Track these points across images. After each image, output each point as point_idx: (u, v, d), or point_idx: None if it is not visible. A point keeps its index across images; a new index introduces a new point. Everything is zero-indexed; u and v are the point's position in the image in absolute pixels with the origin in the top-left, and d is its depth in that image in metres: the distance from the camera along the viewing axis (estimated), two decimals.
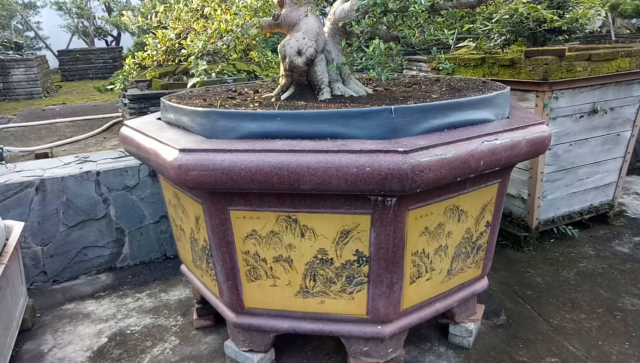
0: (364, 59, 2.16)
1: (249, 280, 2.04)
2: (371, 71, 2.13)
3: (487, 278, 2.42)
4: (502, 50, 3.66)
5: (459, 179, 1.82)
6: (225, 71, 4.52)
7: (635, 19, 8.77)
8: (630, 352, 2.32)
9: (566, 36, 3.41)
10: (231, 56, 2.17)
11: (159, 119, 2.40)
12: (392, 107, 1.77)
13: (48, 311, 2.93)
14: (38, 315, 2.88)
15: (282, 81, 2.45)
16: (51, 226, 3.34)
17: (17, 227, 2.73)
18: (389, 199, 1.77)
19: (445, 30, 2.26)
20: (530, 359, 2.30)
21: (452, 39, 2.22)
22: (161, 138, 1.96)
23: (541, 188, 3.30)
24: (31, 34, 13.43)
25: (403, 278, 1.96)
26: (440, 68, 2.89)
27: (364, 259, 1.91)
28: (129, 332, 2.67)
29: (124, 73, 2.38)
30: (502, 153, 1.87)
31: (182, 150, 1.77)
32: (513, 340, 2.45)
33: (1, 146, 3.91)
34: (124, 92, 4.24)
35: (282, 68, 2.43)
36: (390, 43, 2.34)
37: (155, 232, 3.64)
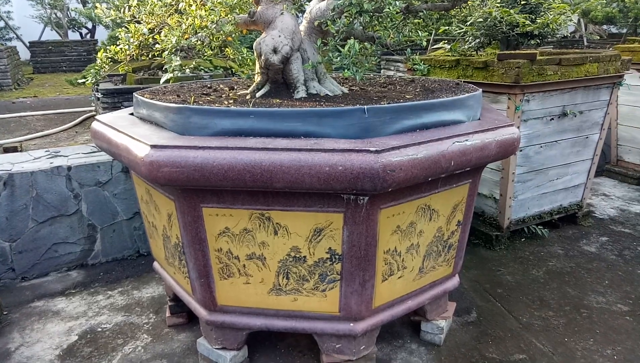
0: (339, 58, 2.17)
1: (221, 278, 2.03)
2: (346, 70, 2.14)
3: (458, 276, 2.47)
4: (477, 52, 3.72)
5: (430, 179, 1.85)
6: (201, 67, 4.48)
7: (605, 25, 9.02)
8: (595, 348, 2.39)
9: (538, 40, 3.48)
10: (206, 52, 2.15)
11: (132, 114, 2.37)
12: (365, 107, 1.79)
13: (16, 308, 2.86)
14: (5, 313, 2.81)
15: (257, 78, 2.44)
16: (20, 222, 3.26)
17: None
18: (361, 198, 1.78)
19: (420, 32, 2.29)
20: (499, 356, 2.35)
21: (427, 41, 2.25)
22: (133, 133, 1.94)
23: (512, 188, 3.37)
24: (1, 23, 13.02)
25: (375, 276, 1.98)
26: (415, 69, 2.93)
27: (337, 257, 1.92)
28: (99, 329, 2.63)
29: (96, 67, 2.34)
30: (473, 154, 1.91)
31: (153, 146, 1.76)
32: (483, 337, 2.50)
33: None
34: (97, 86, 4.16)
35: (257, 66, 2.42)
36: (366, 43, 2.36)
37: (128, 229, 3.59)
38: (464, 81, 2.93)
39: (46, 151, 3.69)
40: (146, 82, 4.19)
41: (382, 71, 6.72)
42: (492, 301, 2.82)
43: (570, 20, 3.63)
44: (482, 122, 2.11)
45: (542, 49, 4.04)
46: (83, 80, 2.35)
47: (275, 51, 2.29)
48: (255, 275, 2.00)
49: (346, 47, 2.12)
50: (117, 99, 3.97)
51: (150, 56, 2.30)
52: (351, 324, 2.05)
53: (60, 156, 3.58)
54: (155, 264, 2.64)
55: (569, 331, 2.54)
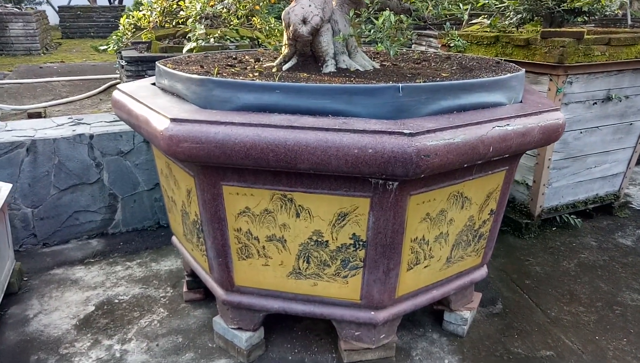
0: (372, 31, 2.03)
1: (240, 258, 1.96)
2: (379, 44, 2.00)
3: (486, 267, 2.35)
4: (517, 29, 3.49)
5: (465, 166, 1.72)
6: (227, 37, 4.35)
7: None
8: (628, 349, 2.27)
9: (585, 18, 3.24)
10: (232, 20, 2.03)
11: (154, 84, 2.29)
12: (400, 85, 1.66)
13: (36, 275, 2.87)
14: (25, 279, 2.82)
15: (284, 50, 2.32)
16: (42, 189, 3.25)
17: (4, 189, 2.64)
18: (390, 183, 1.67)
19: (460, 5, 2.11)
20: (524, 351, 2.25)
21: (467, 15, 2.09)
22: (153, 105, 1.85)
23: (547, 175, 3.20)
24: None
25: (400, 265, 1.88)
26: (452, 45, 2.74)
27: (361, 243, 1.82)
28: (116, 301, 2.62)
29: (119, 34, 2.25)
30: (513, 140, 1.77)
31: (173, 120, 1.67)
32: (508, 330, 2.40)
33: None
34: (121, 53, 4.09)
35: (285, 37, 2.30)
36: (401, 16, 2.20)
37: (149, 199, 3.56)
38: (503, 59, 2.75)
39: (69, 118, 3.66)
40: (171, 50, 4.09)
41: (412, 46, 6.47)
42: (519, 292, 2.70)
43: None
44: (524, 106, 1.95)
45: (584, 28, 3.78)
46: (105, 47, 2.26)
47: (304, 21, 2.15)
48: (275, 257, 1.92)
49: (380, 19, 1.98)
50: (140, 67, 3.89)
51: (174, 23, 2.20)
52: (372, 312, 1.96)
53: (83, 123, 3.54)
54: (174, 238, 2.59)
55: (600, 329, 2.41)
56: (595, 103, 3.14)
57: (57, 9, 12.31)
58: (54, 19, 12.56)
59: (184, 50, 2.14)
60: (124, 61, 3.89)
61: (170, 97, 1.99)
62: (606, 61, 2.96)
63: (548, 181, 3.23)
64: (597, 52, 2.90)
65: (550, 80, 2.96)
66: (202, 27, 1.89)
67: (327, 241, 1.84)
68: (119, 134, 3.39)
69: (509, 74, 1.98)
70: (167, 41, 4.40)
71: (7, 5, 9.33)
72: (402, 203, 1.74)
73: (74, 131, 3.35)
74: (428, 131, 1.56)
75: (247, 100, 1.73)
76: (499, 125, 1.73)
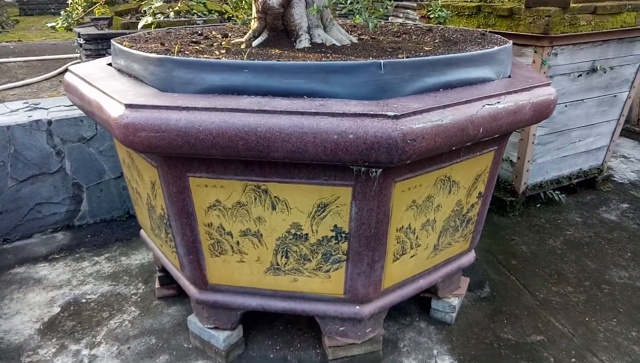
0: (348, 2, 1.85)
1: (212, 255, 1.81)
2: (357, 16, 1.83)
3: (474, 252, 2.25)
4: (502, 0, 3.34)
5: (454, 148, 1.59)
6: (194, 11, 4.09)
7: None
8: (618, 329, 2.22)
9: None
10: None
11: (110, 65, 2.07)
12: (382, 61, 1.49)
13: None
14: None
15: (254, 24, 2.12)
16: None
17: None
18: (373, 170, 1.53)
19: None
20: (515, 336, 2.17)
21: None
22: (106, 88, 1.65)
23: (532, 151, 3.11)
24: None
25: (386, 256, 1.76)
26: (433, 17, 2.58)
27: (343, 235, 1.69)
28: (84, 300, 2.44)
29: (68, 9, 2.01)
30: (504, 119, 1.63)
31: (128, 106, 1.48)
32: (497, 315, 2.32)
33: None
34: (78, 31, 3.79)
35: (254, 10, 2.10)
36: None
37: (116, 188, 3.35)
38: (486, 31, 2.60)
39: (25, 102, 3.38)
40: (133, 27, 3.82)
41: (389, 18, 6.26)
42: (506, 274, 2.63)
43: None
44: (514, 81, 1.82)
45: None
46: (53, 23, 2.02)
47: None
48: (251, 253, 1.77)
49: None
50: (100, 45, 3.62)
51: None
52: (357, 307, 1.84)
53: (40, 108, 3.28)
54: (142, 232, 2.41)
55: (590, 309, 2.36)
56: (580, 75, 3.04)
57: None
58: None
59: (139, 25, 1.92)
60: (81, 39, 3.61)
61: (127, 80, 1.79)
62: (592, 30, 2.85)
63: (532, 157, 3.14)
64: (582, 21, 2.77)
65: (535, 52, 2.83)
66: (160, 1, 1.67)
67: (306, 234, 1.70)
68: (80, 119, 3.15)
69: (497, 47, 1.83)
70: (129, 17, 4.11)
71: None
72: (386, 191, 1.60)
73: (30, 116, 3.10)
74: (414, 113, 1.41)
75: (213, 81, 1.55)
76: (489, 103, 1.59)
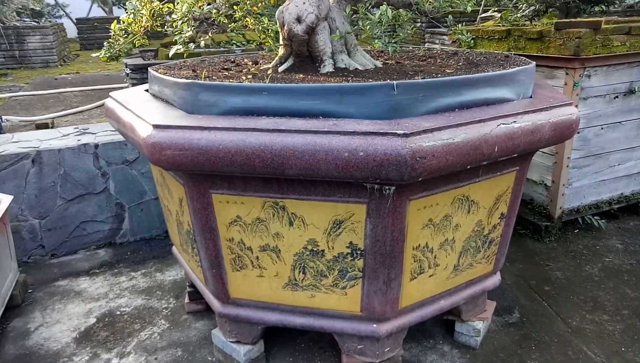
0: (368, 27, 1.92)
1: (234, 269, 1.88)
2: (376, 41, 1.89)
3: (499, 274, 2.21)
4: (531, 22, 3.33)
5: (469, 167, 1.60)
6: (233, 41, 4.30)
7: None
8: None
9: (603, 7, 3.07)
10: (222, 21, 1.95)
11: (147, 91, 2.22)
12: (395, 82, 1.54)
13: (41, 287, 2.84)
14: (30, 291, 2.80)
15: (281, 51, 2.23)
16: (48, 200, 3.24)
17: (4, 201, 2.62)
18: (386, 188, 1.56)
19: None
20: None
21: (475, 10, 1.96)
22: (139, 111, 1.79)
23: (567, 174, 3.03)
24: (51, 1, 13.35)
25: (402, 274, 1.76)
26: (456, 40, 2.61)
27: (359, 252, 1.71)
28: (118, 313, 2.56)
29: (111, 41, 2.20)
30: (521, 138, 1.63)
31: (156, 126, 1.59)
32: (525, 341, 2.24)
33: (0, 115, 3.81)
34: (125, 62, 4.07)
35: (281, 37, 2.21)
36: (400, 10, 2.09)
37: (156, 208, 3.51)
38: (516, 54, 2.60)
39: (75, 128, 3.65)
40: (177, 57, 4.06)
41: (425, 44, 6.32)
42: (537, 300, 2.54)
43: None
44: (533, 101, 1.81)
45: (606, 18, 3.59)
46: (96, 54, 2.21)
47: (299, 20, 2.07)
48: (270, 268, 1.82)
49: (377, 14, 1.87)
50: (145, 75, 3.86)
51: (164, 27, 2.13)
52: (374, 325, 1.85)
53: (89, 133, 3.53)
54: (174, 249, 2.53)
55: (627, 339, 2.24)
56: (617, 97, 2.96)
57: (75, 21, 12.56)
58: (72, 31, 12.81)
59: (170, 53, 2.07)
60: (128, 69, 3.87)
61: (159, 103, 1.92)
62: (627, 51, 2.79)
63: (568, 181, 3.05)
64: (616, 42, 2.72)
65: (567, 74, 2.79)
66: (190, 29, 1.81)
67: (322, 250, 1.74)
68: (124, 143, 3.35)
69: (516, 68, 1.84)
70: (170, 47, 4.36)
71: (25, 20, 9.56)
72: (400, 208, 1.62)
73: (79, 140, 3.33)
74: (424, 131, 1.44)
75: (234, 103, 1.65)
76: (505, 122, 1.60)
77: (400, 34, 1.98)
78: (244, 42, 4.33)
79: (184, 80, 1.77)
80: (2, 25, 8.92)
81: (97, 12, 13.65)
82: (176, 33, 1.89)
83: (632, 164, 3.26)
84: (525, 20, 3.38)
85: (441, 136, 1.46)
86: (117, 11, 14.02)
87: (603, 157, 3.12)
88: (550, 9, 3.26)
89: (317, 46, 2.13)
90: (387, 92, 1.55)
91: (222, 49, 3.94)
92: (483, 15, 3.63)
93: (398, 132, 1.42)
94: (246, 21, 2.20)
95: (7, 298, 2.52)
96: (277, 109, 1.62)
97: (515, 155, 1.70)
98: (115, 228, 3.45)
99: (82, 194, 3.31)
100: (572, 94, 2.79)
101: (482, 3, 4.08)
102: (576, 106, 2.84)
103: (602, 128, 3.01)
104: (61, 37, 9.71)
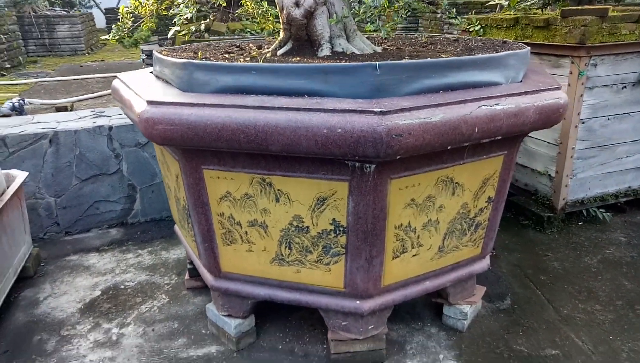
0: (361, 11, 1.96)
1: (224, 244, 1.95)
2: (368, 24, 1.93)
3: (488, 259, 2.23)
4: (542, 11, 3.30)
5: (450, 148, 1.63)
6: (248, 29, 4.38)
7: None
8: None
9: None
10: (221, 6, 2.02)
11: (152, 73, 2.31)
12: (377, 63, 1.58)
13: (53, 261, 2.99)
14: (42, 264, 2.94)
15: (281, 35, 2.29)
16: (64, 179, 3.38)
17: (20, 176, 2.76)
18: (367, 165, 1.60)
19: None
20: (528, 349, 2.11)
21: None
22: (138, 90, 1.87)
23: (571, 165, 3.00)
24: None
25: (384, 252, 1.81)
26: (472, 30, 2.62)
27: (341, 229, 1.77)
28: (122, 287, 2.68)
29: (118, 24, 2.29)
30: (504, 121, 1.65)
31: (150, 102, 1.67)
32: (514, 326, 2.26)
33: (22, 98, 3.98)
34: (142, 48, 4.19)
35: (281, 21, 2.26)
36: None
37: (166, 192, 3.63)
38: (521, 42, 2.59)
39: (92, 111, 3.79)
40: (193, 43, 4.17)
41: (444, 34, 6.27)
42: (531, 288, 2.55)
43: None
44: (521, 85, 1.82)
45: (622, 7, 3.52)
46: (105, 37, 2.31)
47: (297, 4, 2.12)
48: (258, 243, 1.89)
49: None
50: None
51: (169, 11, 2.21)
52: (357, 302, 1.90)
53: (104, 116, 3.66)
54: (175, 226, 2.62)
55: (617, 329, 2.23)
56: (625, 87, 2.91)
57: (104, 11, 12.88)
58: (102, 22, 13.14)
59: (169, 34, 2.15)
60: (144, 55, 3.99)
61: (160, 83, 2.01)
62: (636, 40, 2.74)
63: (572, 172, 3.03)
64: (624, 30, 2.68)
65: (572, 63, 2.77)
66: (188, 10, 1.88)
67: (307, 226, 1.80)
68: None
69: (505, 52, 1.85)
70: (189, 35, 4.47)
71: (55, 9, 9.88)
72: (381, 187, 1.66)
73: (94, 123, 3.46)
74: (402, 110, 1.48)
75: (225, 82, 1.71)
76: (486, 104, 1.62)
77: (395, 19, 2.01)
78: (257, 30, 4.41)
79: (180, 60, 1.84)
80: (34, 14, 9.25)
81: (127, 2, 13.96)
82: (176, 15, 1.97)
83: None
84: (537, 9, 3.34)
85: (419, 115, 1.49)
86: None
87: (610, 148, 3.08)
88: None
89: (316, 30, 2.17)
90: (370, 73, 1.59)
91: (236, 37, 4.02)
92: (491, 2, 3.59)
93: (375, 110, 1.46)
94: (247, 5, 2.26)
95: (20, 269, 2.66)
96: (265, 88, 1.68)
97: (499, 138, 1.72)
98: (127, 209, 3.57)
99: (96, 174, 3.44)
100: (577, 83, 2.77)
101: None
102: (581, 95, 2.81)
103: (608, 119, 2.97)
104: (89, 26, 9.99)
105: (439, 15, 7.70)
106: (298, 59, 2.08)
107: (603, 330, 2.22)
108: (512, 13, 3.23)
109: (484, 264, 2.19)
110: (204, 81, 1.76)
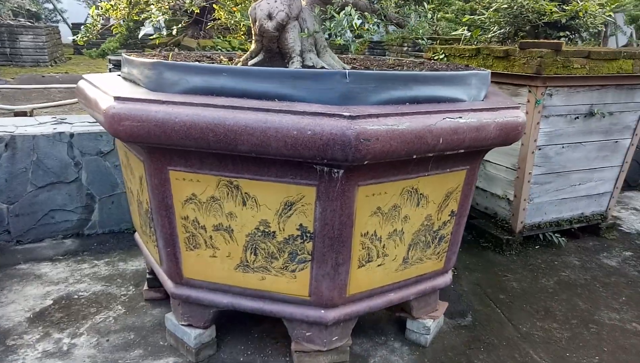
0: (332, 25, 2.01)
1: (187, 249, 1.91)
2: (339, 38, 1.98)
3: (450, 274, 2.26)
4: (502, 44, 3.48)
5: (416, 158, 1.67)
6: (219, 47, 4.40)
7: None
8: None
9: (568, 33, 3.22)
10: (195, 11, 2.03)
11: (119, 75, 2.29)
12: (347, 70, 1.63)
13: (1, 269, 2.83)
14: None
15: (252, 46, 2.32)
16: (19, 185, 3.24)
17: None
18: (335, 170, 1.62)
19: (425, 5, 2.10)
20: None
21: (432, 14, 2.07)
22: (104, 88, 1.84)
23: (528, 189, 3.12)
24: (50, 6, 13.49)
25: (350, 260, 1.81)
26: (436, 58, 2.74)
27: (308, 235, 1.76)
28: (76, 297, 2.56)
29: (87, 25, 2.27)
30: (467, 134, 1.72)
31: (116, 98, 1.65)
32: (475, 342, 2.28)
33: None
34: (109, 58, 4.14)
35: (253, 32, 2.30)
36: (365, 13, 2.20)
37: (127, 202, 3.53)
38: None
39: (53, 117, 3.68)
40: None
41: None
42: (491, 306, 2.60)
43: (610, 16, 3.35)
44: (483, 103, 1.91)
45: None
46: (72, 37, 2.28)
47: (270, 16, 2.16)
48: (222, 248, 1.86)
49: (341, 13, 1.97)
50: None
51: (142, 18, 2.21)
52: (322, 311, 1.88)
53: (66, 123, 3.56)
54: (136, 234, 2.55)
55: (573, 346, 2.29)
56: (577, 118, 3.08)
57: (71, 26, 12.69)
58: (69, 36, 12.92)
59: (140, 35, 2.14)
60: (111, 64, 3.94)
61: (127, 84, 1.98)
62: (587, 74, 2.92)
63: (529, 196, 3.15)
64: (576, 64, 2.86)
65: (529, 91, 2.92)
66: (160, 14, 1.88)
67: (274, 231, 1.79)
68: (100, 135, 3.39)
69: (467, 71, 1.94)
70: (158, 50, 4.45)
71: (21, 20, 9.66)
72: (349, 193, 1.68)
73: (54, 129, 3.36)
74: (370, 116, 1.52)
75: (195, 83, 1.71)
76: (450, 117, 1.69)
77: (364, 36, 2.07)
78: (229, 49, 4.44)
79: (150, 60, 1.83)
80: None
81: None
82: (145, 16, 1.97)
83: (593, 185, 3.37)
84: (497, 43, 3.52)
85: (386, 122, 1.54)
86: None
87: (564, 175, 3.22)
88: (520, 33, 3.41)
89: (287, 43, 2.21)
90: (339, 80, 1.63)
91: (207, 52, 4.03)
92: (453, 33, 3.77)
93: (344, 114, 1.49)
94: (219, 15, 2.28)
95: None
96: (235, 90, 1.69)
97: (462, 151, 1.78)
98: (84, 219, 3.45)
99: (53, 182, 3.32)
100: (534, 111, 2.91)
101: (433, 11, 4.24)
102: (538, 123, 2.96)
103: (563, 147, 3.12)
104: (54, 39, 9.80)
105: (405, 49, 8.03)
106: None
107: (560, 347, 2.27)
108: (474, 44, 3.39)
109: (447, 279, 2.22)
110: (173, 81, 1.75)
